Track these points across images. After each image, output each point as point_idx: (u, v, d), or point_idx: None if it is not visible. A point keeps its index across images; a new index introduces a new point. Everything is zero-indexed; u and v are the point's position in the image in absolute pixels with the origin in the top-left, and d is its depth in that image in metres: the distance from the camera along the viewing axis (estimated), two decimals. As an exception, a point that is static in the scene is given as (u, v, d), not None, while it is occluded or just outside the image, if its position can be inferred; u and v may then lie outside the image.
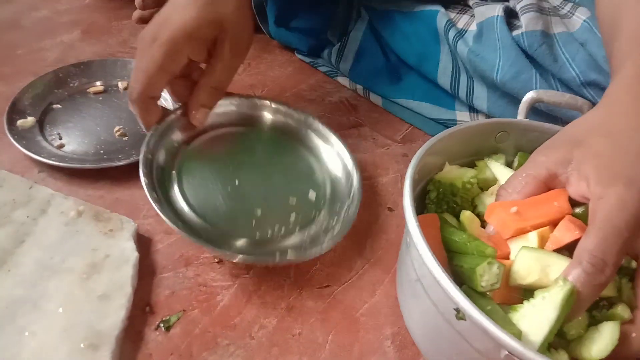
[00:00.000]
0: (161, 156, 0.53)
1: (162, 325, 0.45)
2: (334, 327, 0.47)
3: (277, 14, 0.76)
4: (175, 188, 0.52)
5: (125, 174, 0.57)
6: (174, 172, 0.53)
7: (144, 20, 0.80)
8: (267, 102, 0.61)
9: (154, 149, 0.52)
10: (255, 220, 0.51)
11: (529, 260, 0.35)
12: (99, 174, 0.57)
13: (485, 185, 0.46)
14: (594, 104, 0.57)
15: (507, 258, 0.38)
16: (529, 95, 0.48)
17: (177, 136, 0.56)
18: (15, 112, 0.62)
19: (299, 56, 0.79)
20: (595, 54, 0.57)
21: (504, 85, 0.59)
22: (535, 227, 0.37)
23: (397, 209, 0.58)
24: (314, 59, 0.78)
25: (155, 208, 0.46)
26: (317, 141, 0.60)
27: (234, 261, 0.49)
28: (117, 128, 0.63)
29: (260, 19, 0.79)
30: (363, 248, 0.54)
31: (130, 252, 0.48)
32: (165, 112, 0.55)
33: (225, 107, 0.60)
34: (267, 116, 0.61)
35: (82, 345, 0.41)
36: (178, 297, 0.48)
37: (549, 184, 0.39)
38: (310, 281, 0.50)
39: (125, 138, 0.62)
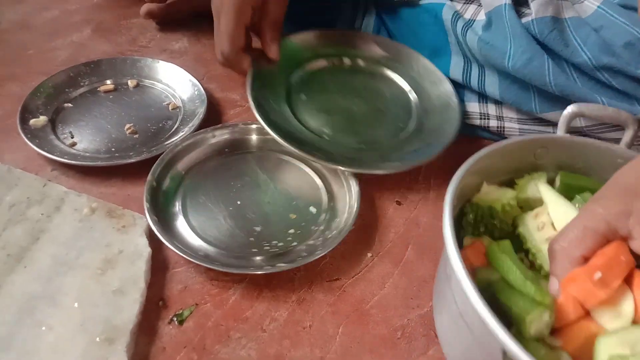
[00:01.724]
0: (165, 184, 0.56)
1: (175, 319, 0.46)
2: (344, 320, 0.48)
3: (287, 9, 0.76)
4: (181, 217, 0.53)
5: (137, 171, 0.57)
6: (177, 201, 0.55)
7: (153, 15, 0.81)
8: (257, 125, 0.62)
9: (159, 177, 0.56)
10: (260, 236, 0.53)
11: (614, 348, 0.33)
12: (111, 172, 0.58)
13: (526, 204, 0.45)
14: (605, 84, 0.57)
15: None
16: (569, 110, 0.47)
17: (181, 165, 0.58)
18: (27, 111, 0.63)
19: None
20: (610, 40, 0.56)
21: (517, 72, 0.59)
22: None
23: (406, 203, 0.59)
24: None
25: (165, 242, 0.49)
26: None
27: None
28: (127, 126, 0.64)
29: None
30: (372, 242, 0.55)
31: (143, 248, 0.49)
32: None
33: (219, 136, 0.61)
34: (261, 137, 0.62)
35: (97, 339, 0.42)
36: (190, 291, 0.48)
37: (609, 238, 0.36)
38: (321, 274, 0.51)
39: (136, 135, 0.63)
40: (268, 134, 0.57)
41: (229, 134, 0.62)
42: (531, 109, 0.61)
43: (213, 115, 0.67)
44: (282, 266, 0.48)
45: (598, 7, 0.59)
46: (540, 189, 0.44)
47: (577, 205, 0.43)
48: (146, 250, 0.49)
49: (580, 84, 0.57)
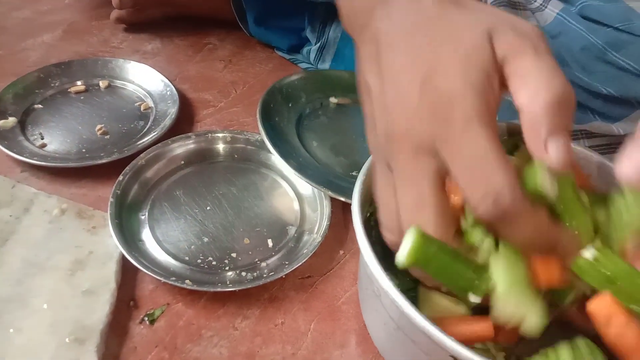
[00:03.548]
0: (132, 195, 0.55)
1: (146, 318, 0.46)
2: (316, 316, 0.48)
3: (257, 13, 0.77)
4: (149, 233, 0.52)
5: (108, 172, 0.57)
6: (143, 216, 0.54)
7: (122, 20, 0.81)
8: (223, 133, 0.62)
9: (124, 188, 0.54)
10: (238, 251, 0.52)
11: None
12: (82, 173, 0.58)
13: None
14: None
15: None
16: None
17: (148, 175, 0.57)
18: (-4, 113, 0.62)
19: (279, 53, 0.80)
20: (568, 45, 0.58)
21: None
22: None
23: (377, 200, 0.60)
24: (294, 56, 0.79)
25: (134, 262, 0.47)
26: (275, 159, 0.59)
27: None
28: (98, 126, 0.63)
29: (239, 17, 0.79)
30: (344, 239, 0.55)
31: (113, 249, 0.49)
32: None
33: (183, 147, 0.60)
34: (226, 147, 0.62)
35: (67, 340, 0.42)
36: (162, 291, 0.48)
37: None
38: (293, 272, 0.51)
39: (107, 136, 0.63)
40: (236, 142, 0.58)
41: (193, 144, 0.61)
42: None
43: (186, 116, 0.67)
44: (248, 282, 0.48)
45: (557, 14, 0.60)
46: None
47: None
48: (116, 250, 0.49)
49: None
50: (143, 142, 0.60)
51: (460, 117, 0.29)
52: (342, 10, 0.42)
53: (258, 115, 0.60)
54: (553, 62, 0.30)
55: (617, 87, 0.54)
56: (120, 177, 0.54)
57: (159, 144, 0.59)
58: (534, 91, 0.29)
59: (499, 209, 0.27)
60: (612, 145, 0.60)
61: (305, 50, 0.77)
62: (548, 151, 0.28)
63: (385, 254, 0.37)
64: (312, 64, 0.77)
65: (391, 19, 0.35)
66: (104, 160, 0.58)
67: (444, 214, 0.31)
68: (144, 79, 0.70)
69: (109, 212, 0.51)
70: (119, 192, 0.53)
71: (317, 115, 0.67)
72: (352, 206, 0.40)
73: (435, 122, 0.30)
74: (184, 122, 0.65)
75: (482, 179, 0.28)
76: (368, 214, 0.44)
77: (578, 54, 0.57)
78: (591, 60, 0.57)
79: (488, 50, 0.30)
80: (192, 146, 0.60)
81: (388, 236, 0.36)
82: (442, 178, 0.31)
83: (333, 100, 0.69)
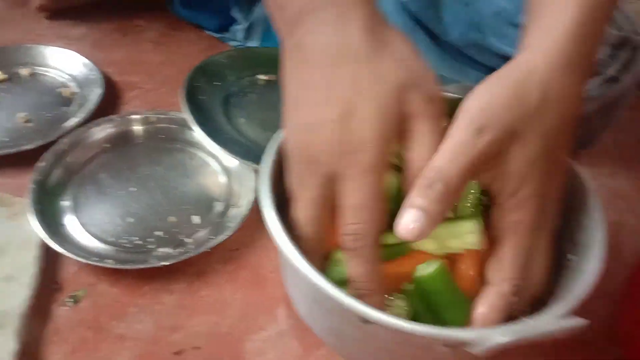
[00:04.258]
0: (53, 180, 0.55)
1: (69, 300, 0.46)
2: (242, 286, 0.49)
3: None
4: (72, 217, 0.52)
5: (31, 159, 0.56)
6: (66, 201, 0.54)
7: (45, 9, 0.79)
8: (146, 114, 0.61)
9: (43, 179, 0.54)
10: (163, 229, 0.52)
11: None
12: (4, 161, 0.57)
13: None
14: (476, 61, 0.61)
15: None
16: None
17: (68, 164, 0.57)
18: None
19: (209, 33, 0.80)
20: (480, 10, 0.59)
21: None
22: None
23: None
24: (223, 35, 0.79)
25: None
26: (200, 137, 0.58)
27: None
28: (21, 115, 0.62)
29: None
30: (272, 211, 0.56)
31: (34, 234, 0.49)
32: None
33: (106, 129, 0.60)
34: (150, 127, 0.61)
35: (-15, 325, 0.42)
36: (85, 272, 0.49)
37: None
38: (220, 246, 0.52)
39: (31, 124, 0.62)
40: (161, 122, 0.58)
41: (114, 127, 0.60)
42: None
43: (112, 99, 0.67)
44: (172, 258, 0.48)
45: None
46: None
47: None
48: (37, 236, 0.49)
49: (455, 61, 0.60)
50: (66, 127, 0.59)
51: (362, 165, 0.33)
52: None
53: (182, 94, 0.60)
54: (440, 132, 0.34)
55: None
56: (42, 163, 0.54)
57: (81, 128, 0.58)
58: (416, 155, 0.34)
59: (354, 245, 0.35)
60: None
61: (234, 29, 0.77)
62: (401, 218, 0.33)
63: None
64: (242, 43, 0.77)
65: (318, 38, 0.36)
66: (25, 148, 0.57)
67: (319, 226, 0.38)
68: (67, 65, 0.69)
69: (29, 198, 0.51)
70: (40, 177, 0.53)
71: (246, 93, 0.68)
72: (259, 195, 0.40)
73: (341, 159, 0.34)
74: (109, 105, 0.65)
75: (356, 219, 0.34)
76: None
77: (490, 19, 0.59)
78: (503, 25, 0.59)
79: (398, 108, 0.34)
80: (115, 128, 0.60)
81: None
82: (329, 200, 0.36)
83: (262, 77, 0.70)
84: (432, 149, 0.34)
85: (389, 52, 0.35)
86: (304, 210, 0.37)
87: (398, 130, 0.35)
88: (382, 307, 0.37)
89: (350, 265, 0.35)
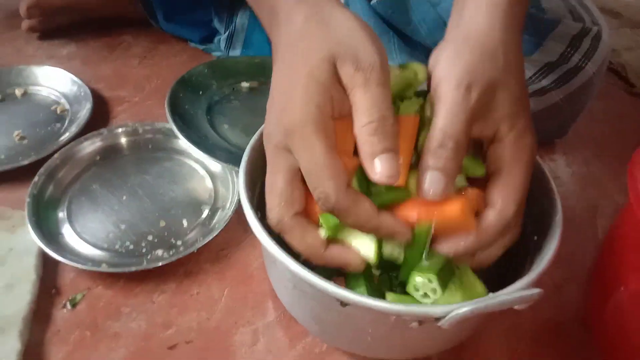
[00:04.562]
0: (47, 194, 0.58)
1: (68, 303, 0.50)
2: (229, 284, 0.52)
3: (164, 9, 0.80)
4: (67, 226, 0.55)
5: (27, 174, 0.59)
6: (62, 212, 0.57)
7: (34, 29, 0.82)
8: (134, 126, 0.65)
9: (38, 193, 0.57)
10: (154, 234, 0.55)
11: None
12: (1, 177, 0.60)
13: None
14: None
15: None
16: None
17: (61, 177, 0.60)
18: None
19: (193, 44, 0.83)
20: (447, 11, 0.62)
21: None
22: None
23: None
24: (207, 46, 0.82)
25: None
26: (186, 145, 0.61)
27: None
28: (16, 132, 0.66)
29: (149, 15, 0.82)
30: (256, 211, 0.59)
31: (32, 244, 0.52)
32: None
33: (96, 143, 0.63)
34: (138, 139, 0.65)
35: (-10, 330, 0.45)
36: (82, 277, 0.52)
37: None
38: (208, 247, 0.55)
39: (25, 141, 0.65)
40: (148, 133, 0.61)
41: (104, 140, 0.63)
42: None
43: (101, 114, 0.70)
44: (162, 260, 0.51)
45: None
46: None
47: None
48: (35, 245, 0.52)
49: (426, 59, 0.63)
50: (58, 142, 0.63)
51: (301, 132, 0.35)
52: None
53: (166, 105, 0.63)
54: (377, 94, 0.35)
55: None
56: (36, 178, 0.57)
57: (72, 143, 0.62)
58: (358, 119, 0.36)
59: (328, 206, 0.35)
60: None
61: (216, 39, 0.80)
62: (374, 168, 0.35)
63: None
64: (224, 53, 0.80)
65: (280, 34, 0.40)
66: (21, 163, 0.60)
67: (291, 201, 0.38)
68: (58, 83, 0.73)
69: (26, 211, 0.54)
70: (35, 192, 0.56)
71: (229, 100, 0.71)
72: (238, 184, 0.43)
73: (287, 133, 0.36)
74: (99, 120, 0.68)
75: (316, 183, 0.35)
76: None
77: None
78: None
79: (328, 74, 0.36)
80: (104, 141, 0.63)
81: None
82: (296, 171, 0.37)
83: (244, 84, 0.73)
84: (364, 117, 0.35)
85: (324, 30, 0.38)
86: (273, 186, 0.38)
87: (331, 98, 0.36)
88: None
89: (343, 220, 0.36)
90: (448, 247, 0.37)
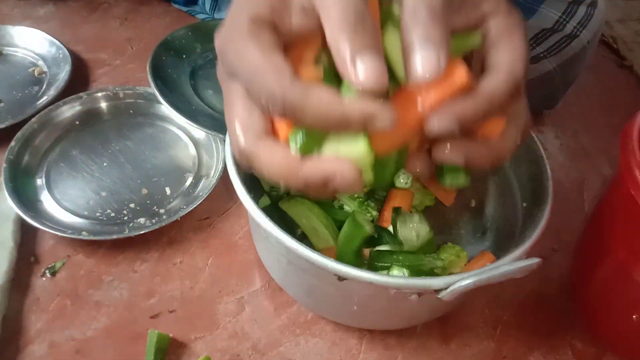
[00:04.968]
0: (25, 161, 0.56)
1: (47, 271, 0.48)
2: (213, 252, 0.52)
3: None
4: (46, 193, 0.54)
5: (2, 139, 0.57)
6: (40, 179, 0.55)
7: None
8: (115, 90, 0.62)
9: (15, 158, 0.55)
10: (136, 201, 0.54)
11: None
12: (-24, 141, 0.58)
13: None
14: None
15: None
16: None
17: (39, 142, 0.58)
18: None
19: (176, 6, 0.80)
20: None
21: None
22: None
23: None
24: (191, 7, 0.79)
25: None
26: (168, 111, 0.59)
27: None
28: (-9, 95, 0.63)
29: (131, -29, 0.78)
30: (241, 180, 0.58)
31: (9, 210, 0.50)
32: None
33: (75, 107, 0.61)
34: (119, 103, 0.62)
35: (-34, 298, 0.44)
36: (62, 245, 0.50)
37: None
38: (191, 215, 0.54)
39: (1, 104, 0.63)
40: (129, 98, 0.59)
41: (83, 104, 0.61)
42: None
43: (81, 77, 0.68)
44: (144, 228, 0.50)
45: None
46: None
47: None
48: (13, 212, 0.50)
49: None
50: (36, 106, 0.60)
51: (233, 46, 0.31)
52: None
53: (148, 69, 0.61)
54: None
55: None
56: (12, 143, 0.55)
57: (51, 107, 0.59)
58: (329, 18, 0.30)
59: (277, 108, 0.29)
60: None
61: (200, 1, 0.77)
62: (356, 71, 0.29)
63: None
64: (209, 15, 0.77)
65: None
66: (-3, 127, 0.58)
67: (251, 124, 0.32)
68: (35, 44, 0.70)
69: (2, 177, 0.52)
70: (11, 157, 0.54)
71: (214, 65, 0.68)
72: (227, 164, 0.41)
73: (221, 56, 0.32)
74: (78, 83, 0.66)
75: (258, 88, 0.30)
76: None
77: None
78: None
79: (270, 16, 0.31)
80: (84, 106, 0.61)
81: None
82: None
83: None
84: (337, 14, 0.30)
85: None
86: (231, 115, 0.34)
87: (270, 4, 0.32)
88: None
89: (301, 120, 0.30)
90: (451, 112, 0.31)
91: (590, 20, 0.62)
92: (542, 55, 0.61)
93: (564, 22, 0.62)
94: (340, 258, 0.43)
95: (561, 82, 0.67)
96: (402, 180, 0.49)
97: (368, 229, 0.41)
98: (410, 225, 0.45)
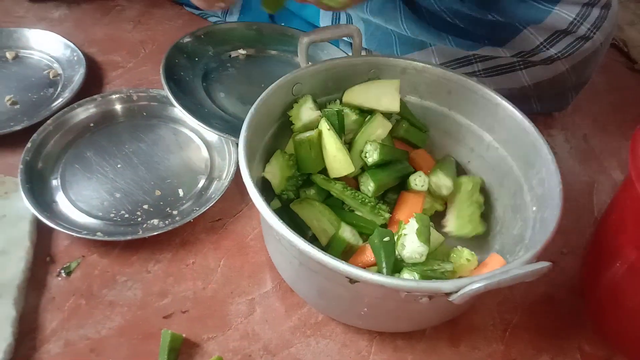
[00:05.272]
0: (40, 163, 0.56)
1: (63, 271, 0.49)
2: (225, 253, 0.52)
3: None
4: (61, 194, 0.54)
5: (19, 140, 0.58)
6: (55, 180, 0.56)
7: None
8: (128, 93, 0.63)
9: (31, 160, 0.55)
10: (150, 203, 0.55)
11: None
12: (-7, 143, 0.59)
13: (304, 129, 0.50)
14: (452, 25, 0.62)
15: None
16: (304, 40, 0.50)
17: (55, 144, 0.59)
18: None
19: (188, 9, 0.81)
20: None
21: (374, 16, 0.63)
22: None
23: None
24: (203, 11, 0.80)
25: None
26: (181, 113, 0.60)
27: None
28: (7, 97, 0.64)
29: (145, -25, 0.79)
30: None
31: (25, 211, 0.51)
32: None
33: (90, 109, 0.62)
34: (132, 105, 0.63)
35: (-16, 297, 0.45)
36: (77, 245, 0.51)
37: None
38: (203, 217, 0.54)
39: (17, 106, 0.64)
40: (142, 100, 0.60)
41: (97, 107, 0.62)
42: (392, 52, 0.65)
43: (95, 79, 0.68)
44: (158, 229, 0.51)
45: None
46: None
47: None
48: (29, 212, 0.51)
49: (432, 26, 0.62)
50: (51, 108, 0.61)
51: None
52: None
53: (162, 72, 0.61)
54: None
55: (500, 13, 0.58)
56: (29, 144, 0.56)
57: (66, 109, 0.60)
58: None
59: None
60: (498, 68, 0.64)
61: (212, 4, 0.78)
62: None
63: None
64: (221, 18, 0.78)
65: None
66: (14, 129, 0.59)
67: None
68: (50, 47, 0.71)
69: (19, 177, 0.53)
70: (28, 158, 0.55)
71: (226, 68, 0.69)
72: (239, 161, 0.42)
73: None
74: (93, 85, 0.67)
75: None
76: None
77: None
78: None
79: None
80: (98, 108, 0.62)
81: None
82: None
83: (241, 52, 0.71)
84: None
85: None
86: None
87: None
88: None
89: None
90: None
91: (604, 22, 0.62)
92: (555, 56, 0.62)
93: (578, 24, 0.62)
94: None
95: (573, 83, 0.67)
96: (418, 182, 0.49)
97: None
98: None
